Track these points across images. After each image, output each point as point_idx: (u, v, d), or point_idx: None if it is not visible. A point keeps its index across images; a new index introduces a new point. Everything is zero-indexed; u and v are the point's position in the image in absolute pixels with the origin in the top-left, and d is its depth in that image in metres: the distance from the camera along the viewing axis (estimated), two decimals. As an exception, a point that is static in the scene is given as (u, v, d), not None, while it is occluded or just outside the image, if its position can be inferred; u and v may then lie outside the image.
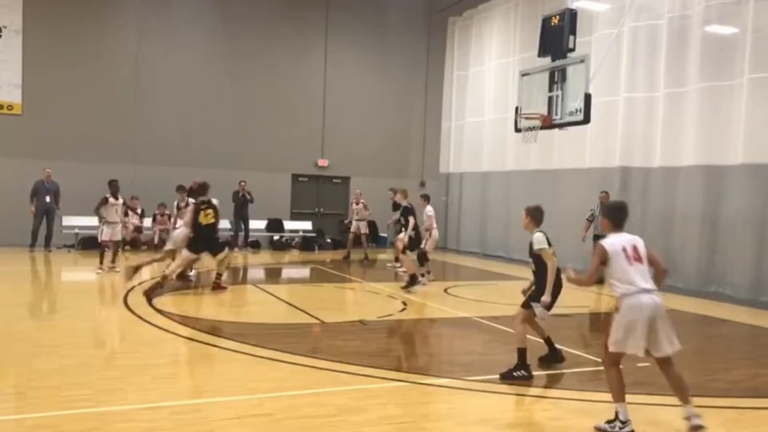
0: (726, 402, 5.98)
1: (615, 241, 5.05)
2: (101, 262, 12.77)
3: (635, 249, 5.02)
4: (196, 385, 5.79)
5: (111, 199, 12.76)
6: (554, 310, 10.02)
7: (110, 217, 12.76)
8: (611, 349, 5.02)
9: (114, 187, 12.89)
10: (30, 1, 17.49)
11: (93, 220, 16.75)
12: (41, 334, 7.77)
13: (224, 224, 18.86)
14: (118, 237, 13.14)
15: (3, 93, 17.36)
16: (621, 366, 5.09)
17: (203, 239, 10.90)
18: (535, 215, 6.76)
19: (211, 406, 5.27)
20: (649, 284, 4.97)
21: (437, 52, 22.10)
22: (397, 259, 15.29)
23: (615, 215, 5.29)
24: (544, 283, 6.54)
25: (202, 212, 10.90)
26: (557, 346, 7.11)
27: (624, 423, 4.95)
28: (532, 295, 6.71)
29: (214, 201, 11.20)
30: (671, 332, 4.99)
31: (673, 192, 13.84)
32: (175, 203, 13.16)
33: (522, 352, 6.43)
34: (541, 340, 7.06)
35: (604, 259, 5.01)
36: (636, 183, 14.57)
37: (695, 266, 13.32)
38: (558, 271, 6.58)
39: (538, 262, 6.63)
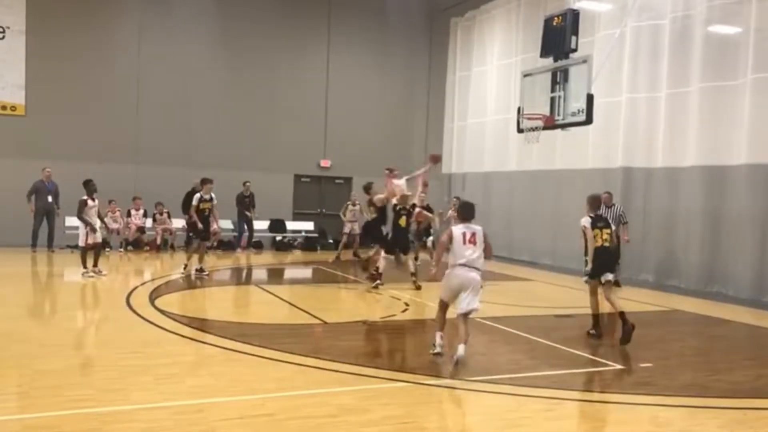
0: (729, 403, 5.96)
1: (460, 229, 6.94)
2: (85, 266, 12.31)
3: (473, 235, 6.91)
4: (198, 386, 5.79)
5: (89, 201, 12.26)
6: (559, 311, 10.00)
7: (91, 219, 12.30)
8: (442, 297, 7.15)
9: (91, 187, 12.31)
10: (33, 2, 17.54)
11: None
12: (44, 334, 7.78)
13: (227, 224, 18.94)
14: (99, 239, 12.63)
15: (6, 94, 17.40)
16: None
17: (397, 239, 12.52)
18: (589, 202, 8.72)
19: (213, 406, 5.27)
20: (473, 262, 6.85)
21: (439, 53, 22.09)
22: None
23: (464, 211, 7.23)
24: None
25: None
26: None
27: (435, 346, 7.01)
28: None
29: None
30: (475, 299, 6.88)
31: (676, 192, 13.81)
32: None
33: (594, 318, 8.54)
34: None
35: (450, 239, 6.86)
36: (638, 183, 14.54)
37: (697, 266, 13.29)
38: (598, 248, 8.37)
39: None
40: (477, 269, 6.88)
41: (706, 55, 13.13)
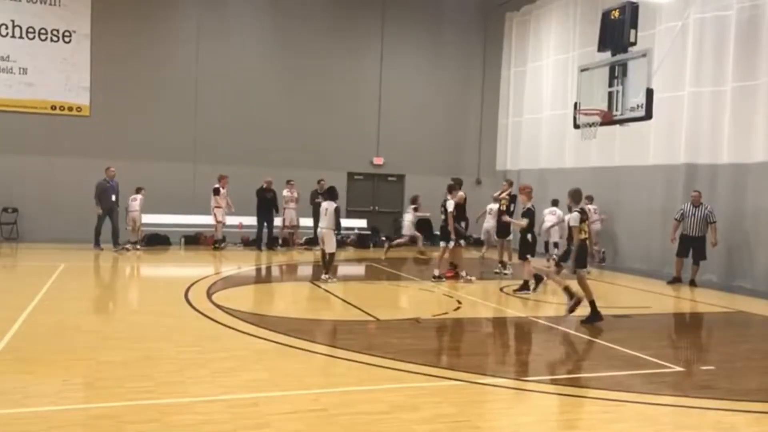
0: (798, 409, 5.70)
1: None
2: (328, 271, 12.08)
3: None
4: (253, 380, 5.88)
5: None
6: (615, 311, 9.82)
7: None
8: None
9: (334, 193, 12.10)
10: (97, 6, 18.17)
11: (157, 218, 17.40)
12: (107, 328, 8.04)
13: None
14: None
15: (72, 95, 18.08)
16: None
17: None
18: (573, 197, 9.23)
19: (267, 400, 5.35)
20: None
21: (494, 49, 21.86)
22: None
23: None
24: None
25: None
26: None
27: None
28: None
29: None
30: None
31: (743, 190, 13.30)
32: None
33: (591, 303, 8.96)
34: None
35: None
36: (702, 180, 14.05)
37: (766, 267, 12.76)
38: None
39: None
40: None
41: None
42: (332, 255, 12.08)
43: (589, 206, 14.82)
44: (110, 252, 15.98)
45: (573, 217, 8.92)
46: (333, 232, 11.93)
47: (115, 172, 16.69)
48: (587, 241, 9.16)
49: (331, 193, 12.13)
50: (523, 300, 11.06)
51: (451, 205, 12.75)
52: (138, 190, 16.72)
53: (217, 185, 17.21)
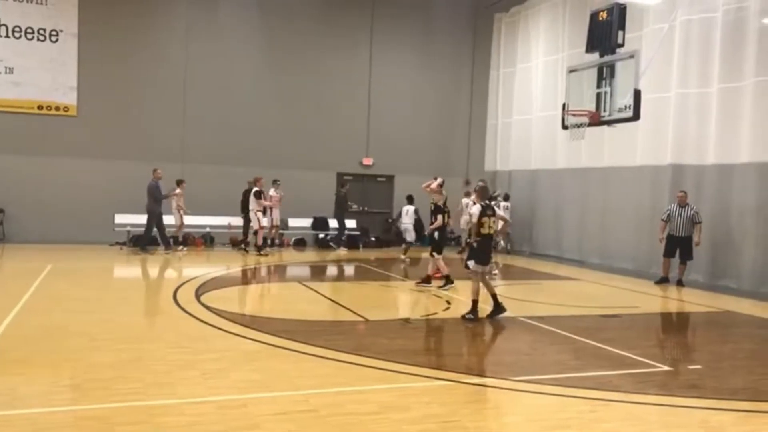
0: (783, 407, 5.76)
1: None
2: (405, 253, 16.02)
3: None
4: (242, 381, 5.87)
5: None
6: (605, 311, 9.89)
7: None
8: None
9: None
10: (85, 6, 18.05)
11: (144, 219, 17.31)
12: (95, 329, 7.98)
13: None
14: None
15: (59, 95, 17.96)
16: None
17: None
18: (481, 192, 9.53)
19: (257, 401, 5.34)
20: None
21: (483, 50, 21.90)
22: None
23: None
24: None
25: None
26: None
27: None
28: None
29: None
30: None
31: (728, 190, 13.41)
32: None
33: (474, 303, 9.20)
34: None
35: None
36: (688, 181, 14.16)
37: (751, 267, 12.88)
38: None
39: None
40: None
41: (760, 48, 12.70)
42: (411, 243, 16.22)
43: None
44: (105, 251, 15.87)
45: (474, 209, 9.22)
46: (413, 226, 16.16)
47: (162, 174, 16.52)
48: (489, 237, 9.34)
49: (411, 199, 16.51)
50: (513, 300, 11.09)
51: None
52: (179, 183, 16.83)
53: (257, 188, 16.78)
